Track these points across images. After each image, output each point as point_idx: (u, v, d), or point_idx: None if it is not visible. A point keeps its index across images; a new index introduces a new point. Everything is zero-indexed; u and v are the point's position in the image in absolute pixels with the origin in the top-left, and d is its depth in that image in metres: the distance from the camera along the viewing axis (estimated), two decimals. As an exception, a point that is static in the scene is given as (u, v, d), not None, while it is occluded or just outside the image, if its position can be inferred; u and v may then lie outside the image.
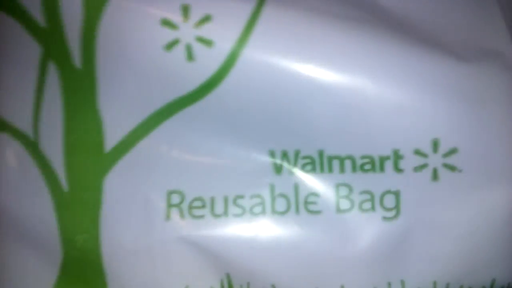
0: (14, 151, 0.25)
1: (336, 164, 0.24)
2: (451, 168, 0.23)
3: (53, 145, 0.24)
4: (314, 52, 0.23)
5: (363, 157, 0.23)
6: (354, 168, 0.23)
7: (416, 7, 0.24)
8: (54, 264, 0.24)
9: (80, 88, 0.24)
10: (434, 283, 0.23)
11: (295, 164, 0.24)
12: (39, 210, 0.24)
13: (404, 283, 0.23)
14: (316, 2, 0.24)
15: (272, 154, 0.24)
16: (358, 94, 0.22)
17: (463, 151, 0.22)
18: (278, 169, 0.24)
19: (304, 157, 0.24)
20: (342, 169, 0.24)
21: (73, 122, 0.24)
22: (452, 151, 0.22)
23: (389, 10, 0.24)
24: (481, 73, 0.23)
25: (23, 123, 0.25)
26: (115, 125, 0.24)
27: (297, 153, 0.24)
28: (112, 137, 0.24)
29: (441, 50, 0.23)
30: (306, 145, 0.24)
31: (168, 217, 0.24)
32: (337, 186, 0.24)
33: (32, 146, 0.25)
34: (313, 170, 0.24)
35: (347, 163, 0.23)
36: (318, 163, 0.24)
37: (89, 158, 0.24)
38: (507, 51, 0.23)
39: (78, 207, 0.24)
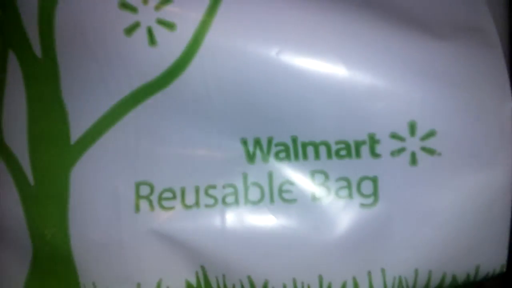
0: (-22, 145, 0.24)
1: (310, 150, 0.23)
2: (430, 151, 0.21)
3: (18, 138, 0.24)
4: (281, 35, 0.21)
5: (338, 142, 0.22)
6: (329, 155, 0.22)
7: None
8: (25, 259, 0.24)
9: (43, 78, 0.23)
10: (416, 271, 0.22)
11: (268, 152, 0.23)
12: (6, 205, 0.24)
13: (385, 271, 0.23)
14: None
15: (244, 142, 0.23)
16: (330, 77, 0.21)
17: (442, 134, 0.21)
18: (251, 157, 0.23)
19: (278, 144, 0.23)
20: (317, 156, 0.23)
21: (37, 113, 0.24)
22: (430, 134, 0.21)
23: None
24: (459, 50, 0.21)
25: None
26: (80, 115, 0.23)
27: (270, 141, 0.23)
28: (77, 127, 0.23)
29: (416, 27, 0.22)
30: (279, 132, 0.23)
31: (137, 209, 0.23)
32: (313, 173, 0.23)
33: (-4, 139, 0.24)
34: (287, 157, 0.23)
35: (322, 149, 0.22)
36: (292, 150, 0.23)
37: (55, 150, 0.23)
38: (486, 27, 0.22)
39: (45, 201, 0.23)
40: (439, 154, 0.21)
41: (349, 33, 0.22)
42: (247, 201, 0.23)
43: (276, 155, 0.23)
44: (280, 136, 0.23)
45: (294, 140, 0.23)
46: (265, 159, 0.23)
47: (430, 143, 0.21)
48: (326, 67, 0.21)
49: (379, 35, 0.22)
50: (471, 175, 0.21)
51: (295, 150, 0.23)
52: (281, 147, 0.23)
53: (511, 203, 0.21)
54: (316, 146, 0.22)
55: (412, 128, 0.21)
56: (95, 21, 0.22)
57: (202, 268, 0.23)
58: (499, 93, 0.21)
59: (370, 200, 0.22)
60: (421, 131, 0.21)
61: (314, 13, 0.22)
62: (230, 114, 0.23)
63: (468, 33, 0.22)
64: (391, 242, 0.22)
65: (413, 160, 0.22)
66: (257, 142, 0.23)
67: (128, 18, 0.22)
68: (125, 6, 0.22)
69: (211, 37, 0.21)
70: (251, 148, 0.23)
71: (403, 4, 0.22)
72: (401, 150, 0.22)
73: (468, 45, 0.22)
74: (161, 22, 0.22)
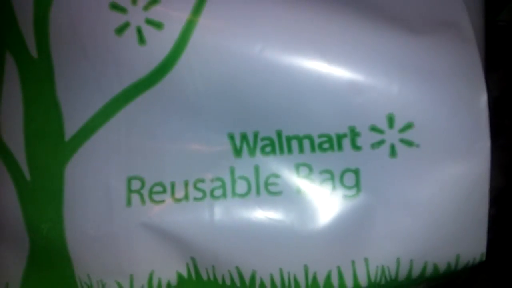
0: (-24, 143, 0.25)
1: (295, 144, 0.23)
2: (408, 143, 0.22)
3: (15, 135, 0.25)
4: (264, 32, 0.22)
5: (320, 136, 0.23)
6: (313, 148, 0.23)
7: None
8: (22, 252, 0.25)
9: (38, 78, 0.24)
10: (398, 260, 0.23)
11: (254, 146, 0.24)
12: (3, 200, 0.25)
13: (368, 260, 0.23)
14: None
15: (231, 137, 0.24)
16: (311, 73, 0.22)
17: (419, 126, 0.22)
18: (238, 152, 0.24)
19: (263, 139, 0.24)
20: (301, 149, 0.23)
21: (33, 111, 0.25)
22: (408, 126, 0.22)
23: None
24: (435, 45, 0.22)
25: None
26: (74, 112, 0.24)
27: (256, 135, 0.24)
28: (71, 125, 0.24)
29: (393, 23, 0.23)
30: (264, 127, 0.23)
31: (129, 203, 0.24)
32: (297, 166, 0.24)
33: (-6, 136, 0.25)
34: (272, 151, 0.24)
35: (306, 143, 0.23)
36: (277, 144, 0.23)
37: (50, 147, 0.24)
38: (462, 22, 0.23)
39: (41, 196, 0.24)
40: (417, 145, 0.22)
41: (330, 30, 0.22)
42: (234, 194, 0.24)
43: (262, 149, 0.24)
44: (266, 131, 0.23)
45: (279, 134, 0.23)
46: (251, 153, 0.24)
47: (408, 135, 0.22)
48: (308, 63, 0.22)
49: (358, 31, 0.22)
50: (449, 166, 0.22)
51: (280, 144, 0.23)
52: (267, 141, 0.24)
53: (488, 193, 0.22)
54: (300, 139, 0.23)
55: (391, 120, 0.22)
56: (87, 21, 0.23)
57: (193, 259, 0.24)
58: (474, 86, 0.22)
59: (352, 192, 0.23)
60: (399, 123, 0.22)
61: (295, 11, 0.23)
62: (217, 110, 0.23)
63: (444, 28, 0.23)
64: (373, 232, 0.23)
65: (393, 152, 0.22)
66: (244, 137, 0.24)
67: (118, 19, 0.22)
68: (115, 7, 0.22)
69: (197, 36, 0.22)
70: (238, 143, 0.24)
71: (382, 2, 0.23)
72: (380, 143, 0.22)
73: (444, 40, 0.22)
74: (150, 22, 0.22)
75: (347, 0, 0.23)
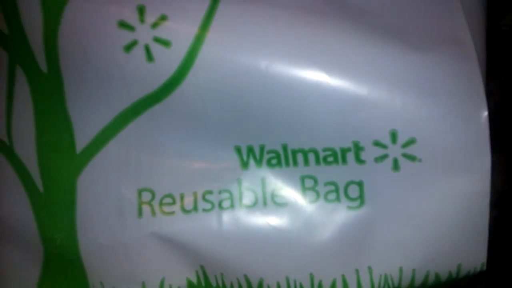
0: (-9, 156, 0.26)
1: (300, 157, 0.24)
2: (411, 158, 0.23)
3: (27, 148, 0.25)
4: (270, 49, 0.23)
5: (325, 149, 0.23)
6: (317, 161, 0.24)
7: None
8: (37, 261, 0.26)
9: (48, 92, 0.25)
10: (400, 269, 0.24)
11: (261, 159, 0.24)
12: (18, 211, 0.25)
13: (372, 269, 0.24)
14: None
15: (238, 150, 0.24)
16: (316, 89, 0.22)
17: (421, 141, 0.22)
18: (244, 164, 0.24)
19: (269, 152, 0.24)
20: (306, 162, 0.24)
21: (44, 125, 0.25)
22: (410, 142, 0.22)
23: (347, 2, 0.24)
24: (437, 62, 0.22)
25: None
26: (84, 126, 0.25)
27: (262, 148, 0.24)
28: (82, 138, 0.25)
29: (396, 40, 0.23)
30: (270, 140, 0.24)
31: (140, 214, 0.24)
32: (302, 178, 0.24)
33: (7, 150, 0.25)
34: (278, 164, 0.24)
35: (311, 156, 0.24)
36: (283, 157, 0.24)
37: (62, 160, 0.25)
38: (463, 39, 0.23)
39: (54, 207, 0.25)
40: (420, 160, 0.23)
41: (334, 47, 0.23)
42: (241, 205, 0.24)
43: (268, 162, 0.24)
44: (272, 144, 0.24)
45: (285, 147, 0.24)
46: (258, 165, 0.24)
47: (411, 150, 0.22)
48: (312, 79, 0.22)
49: (361, 49, 0.23)
50: (451, 179, 0.22)
51: (286, 157, 0.24)
52: (273, 154, 0.24)
53: (488, 205, 0.23)
54: (305, 153, 0.24)
55: (394, 136, 0.22)
56: (96, 39, 0.23)
57: (202, 267, 0.25)
58: (475, 102, 0.22)
59: (356, 203, 0.24)
60: (402, 139, 0.22)
61: (300, 28, 0.23)
62: (224, 124, 0.24)
63: (446, 45, 0.23)
64: (376, 242, 0.24)
65: (396, 166, 0.23)
66: (250, 150, 0.24)
67: (127, 36, 0.23)
68: (123, 25, 0.23)
69: (205, 51, 0.23)
70: (244, 156, 0.24)
71: (384, 19, 0.23)
72: (384, 157, 0.23)
73: (446, 57, 0.23)
74: (157, 40, 0.23)
75: (351, 18, 0.23)
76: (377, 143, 0.23)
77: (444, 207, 0.23)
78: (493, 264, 0.25)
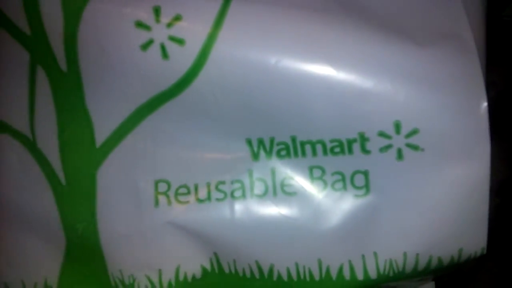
0: (15, 150, 0.27)
1: (308, 148, 0.25)
2: (414, 147, 0.24)
3: (49, 143, 0.26)
4: (278, 43, 0.24)
5: (332, 140, 0.24)
6: (325, 152, 0.25)
7: None
8: (59, 250, 0.27)
9: (68, 90, 0.26)
10: (405, 254, 0.25)
11: (271, 151, 0.25)
12: (42, 203, 0.27)
13: (377, 254, 0.25)
14: None
15: (249, 142, 0.25)
16: (323, 83, 0.23)
17: (424, 132, 0.23)
18: (255, 156, 0.26)
19: (279, 143, 0.25)
20: (314, 153, 0.25)
21: (65, 121, 0.26)
22: (413, 132, 0.23)
23: (352, 0, 0.25)
24: (439, 56, 0.23)
25: (21, 124, 0.27)
26: (103, 121, 0.26)
27: (272, 140, 0.25)
28: (101, 132, 0.26)
29: (401, 35, 0.24)
30: (279, 133, 0.25)
31: (156, 204, 0.26)
32: (311, 168, 0.25)
33: (31, 145, 0.27)
34: (287, 155, 0.25)
35: (318, 147, 0.25)
36: (292, 148, 0.25)
37: (82, 154, 0.26)
38: (464, 34, 0.24)
39: (76, 199, 0.26)
40: (422, 149, 0.24)
41: (340, 43, 0.24)
42: (253, 194, 0.25)
43: (278, 153, 0.25)
44: (281, 136, 0.25)
45: (294, 139, 0.25)
46: (268, 157, 0.26)
47: (414, 140, 0.23)
48: (319, 73, 0.23)
49: (367, 44, 0.24)
50: (452, 168, 0.23)
51: (295, 148, 0.25)
52: (282, 146, 0.25)
53: (488, 192, 0.23)
54: (313, 144, 0.25)
55: (397, 127, 0.23)
56: (114, 39, 0.24)
57: (215, 254, 0.26)
58: (475, 94, 0.23)
59: (362, 192, 0.25)
60: (405, 129, 0.23)
61: (308, 25, 0.24)
62: (235, 118, 0.25)
63: (447, 39, 0.24)
64: (381, 228, 0.25)
65: (400, 155, 0.24)
66: (261, 142, 0.25)
67: (143, 36, 0.24)
68: (140, 25, 0.24)
69: (217, 49, 0.24)
70: (255, 148, 0.26)
71: (388, 16, 0.24)
72: (388, 147, 0.24)
73: (447, 51, 0.24)
74: (172, 39, 0.24)
75: (355, 15, 0.24)
76: (381, 134, 0.24)
77: (446, 194, 0.24)
78: (496, 251, 0.26)
